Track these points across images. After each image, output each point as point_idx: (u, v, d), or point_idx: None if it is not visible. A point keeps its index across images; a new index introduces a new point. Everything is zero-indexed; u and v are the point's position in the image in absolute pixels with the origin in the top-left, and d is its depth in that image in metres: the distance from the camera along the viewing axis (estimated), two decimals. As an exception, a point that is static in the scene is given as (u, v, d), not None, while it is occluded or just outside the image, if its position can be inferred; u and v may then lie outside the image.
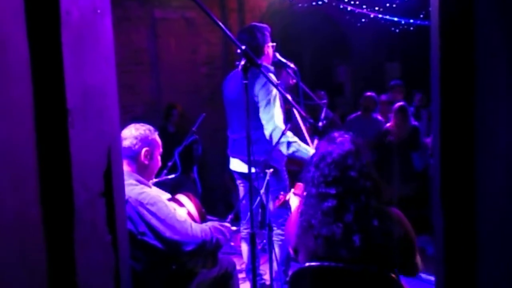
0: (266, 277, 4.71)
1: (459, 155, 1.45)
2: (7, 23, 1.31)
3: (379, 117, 7.20)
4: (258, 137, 4.05)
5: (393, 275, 2.38)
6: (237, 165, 4.36)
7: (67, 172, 1.44)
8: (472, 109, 1.40)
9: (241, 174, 4.39)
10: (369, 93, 7.36)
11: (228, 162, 4.54)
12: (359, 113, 7.29)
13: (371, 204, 2.38)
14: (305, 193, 2.55)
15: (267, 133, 3.97)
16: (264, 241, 4.49)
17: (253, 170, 3.63)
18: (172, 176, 4.76)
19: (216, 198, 7.66)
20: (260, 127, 4.04)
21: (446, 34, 1.41)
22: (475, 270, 1.51)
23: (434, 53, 1.47)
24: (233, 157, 4.41)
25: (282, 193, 3.46)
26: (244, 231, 4.48)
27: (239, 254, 5.25)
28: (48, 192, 1.42)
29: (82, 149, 1.48)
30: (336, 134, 2.58)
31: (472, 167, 1.43)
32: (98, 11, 1.58)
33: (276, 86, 2.89)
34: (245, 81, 2.69)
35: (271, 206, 4.14)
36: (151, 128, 3.08)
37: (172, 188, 5.15)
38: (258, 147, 3.99)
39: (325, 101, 3.72)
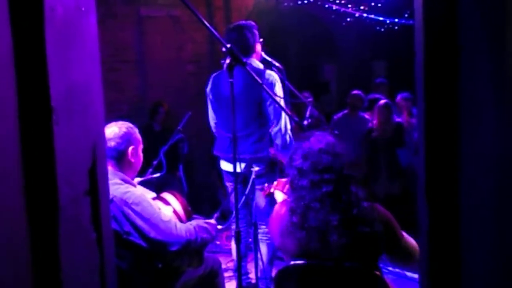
0: (252, 275, 4.72)
1: (444, 152, 1.46)
2: (-10, 20, 1.30)
3: (366, 116, 7.23)
4: (263, 134, 4.09)
5: (377, 272, 2.41)
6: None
7: (51, 169, 1.43)
8: (456, 107, 1.41)
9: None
10: (355, 91, 7.39)
11: (217, 161, 4.50)
12: (345, 111, 7.32)
13: (359, 195, 2.41)
14: (290, 190, 2.55)
15: (285, 135, 4.03)
16: (250, 239, 4.49)
17: (256, 168, 3.64)
18: (157, 175, 4.74)
19: (202, 196, 7.66)
20: (265, 124, 4.09)
21: (430, 33, 1.42)
22: (460, 268, 1.52)
23: (418, 51, 1.48)
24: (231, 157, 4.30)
25: (266, 184, 3.47)
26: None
27: (225, 253, 5.26)
28: (32, 189, 1.41)
29: (66, 146, 1.47)
30: (310, 133, 2.61)
31: (457, 164, 1.44)
32: (83, 8, 1.57)
33: (261, 84, 2.89)
34: (230, 80, 2.68)
35: (261, 201, 4.13)
36: (131, 125, 3.08)
37: (158, 187, 5.14)
38: (263, 145, 4.05)
39: (310, 99, 3.73)
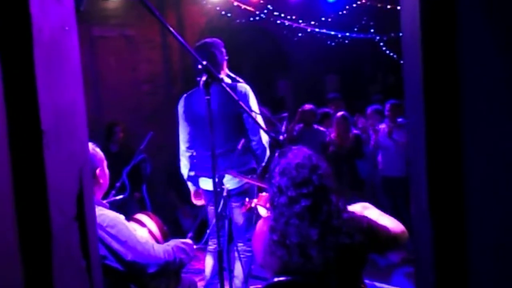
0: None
1: (447, 165, 1.44)
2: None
3: (321, 128, 7.30)
4: (247, 147, 4.07)
5: (363, 286, 2.40)
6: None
7: (43, 195, 1.37)
8: (458, 115, 1.40)
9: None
10: (307, 106, 7.46)
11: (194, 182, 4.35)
12: (301, 125, 7.37)
13: (339, 205, 2.40)
14: (271, 207, 2.53)
15: (265, 143, 4.08)
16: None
17: (227, 185, 3.58)
18: (121, 196, 4.65)
19: (162, 216, 7.53)
20: (246, 137, 4.07)
21: (429, 42, 1.42)
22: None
23: (411, 62, 1.48)
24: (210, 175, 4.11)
25: (247, 199, 3.43)
26: (213, 246, 4.34)
27: (192, 273, 5.17)
28: (25, 217, 1.35)
29: (57, 171, 1.41)
30: (288, 149, 2.60)
31: (460, 178, 1.43)
32: (66, 28, 1.53)
33: (237, 101, 2.86)
34: (207, 97, 2.65)
35: (239, 219, 4.09)
36: (92, 145, 2.97)
37: (119, 209, 5.02)
38: (249, 157, 4.06)
39: (286, 114, 3.73)
